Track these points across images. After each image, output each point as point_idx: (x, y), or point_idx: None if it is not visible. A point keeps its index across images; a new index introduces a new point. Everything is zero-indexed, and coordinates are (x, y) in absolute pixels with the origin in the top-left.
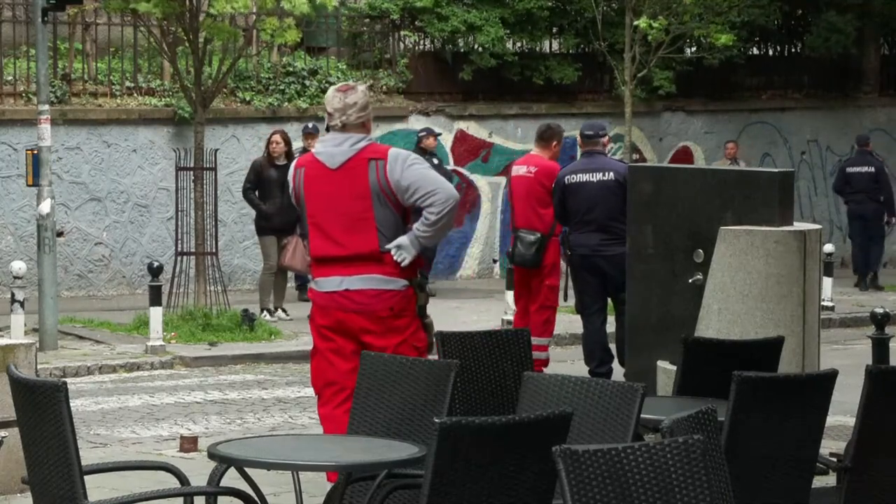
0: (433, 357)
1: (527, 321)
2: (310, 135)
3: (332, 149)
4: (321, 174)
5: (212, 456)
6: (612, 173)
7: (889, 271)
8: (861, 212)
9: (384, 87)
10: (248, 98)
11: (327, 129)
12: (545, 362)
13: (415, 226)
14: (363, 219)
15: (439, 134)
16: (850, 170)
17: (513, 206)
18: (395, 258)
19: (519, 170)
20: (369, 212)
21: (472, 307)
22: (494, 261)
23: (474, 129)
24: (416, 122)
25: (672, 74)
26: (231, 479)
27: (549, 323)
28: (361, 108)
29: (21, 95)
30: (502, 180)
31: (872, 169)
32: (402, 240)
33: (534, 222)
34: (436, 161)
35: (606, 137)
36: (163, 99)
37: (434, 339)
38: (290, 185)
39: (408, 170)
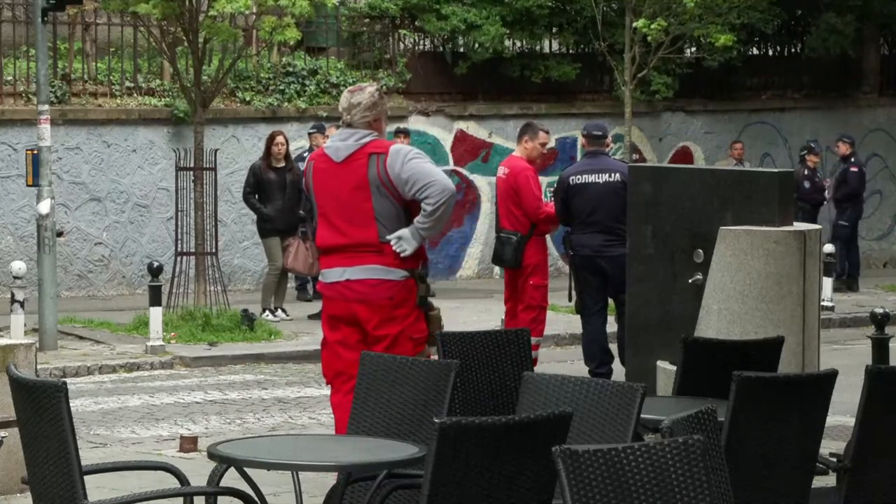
0: (433, 352)
1: (515, 322)
2: (317, 134)
3: (338, 143)
4: (327, 167)
5: (212, 456)
6: (617, 174)
7: (889, 271)
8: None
9: (384, 88)
10: (247, 98)
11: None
12: (534, 362)
13: (416, 218)
14: (363, 210)
15: (404, 130)
16: (860, 170)
17: (498, 207)
18: (394, 249)
19: (499, 171)
20: (368, 202)
21: (472, 307)
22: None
23: (474, 129)
24: (416, 122)
25: (671, 79)
26: (231, 479)
27: (537, 322)
28: (365, 108)
29: (21, 95)
30: None
31: (860, 169)
32: (403, 231)
33: (514, 223)
34: None
35: (609, 138)
36: (163, 99)
37: (438, 333)
38: (304, 178)
39: (407, 163)
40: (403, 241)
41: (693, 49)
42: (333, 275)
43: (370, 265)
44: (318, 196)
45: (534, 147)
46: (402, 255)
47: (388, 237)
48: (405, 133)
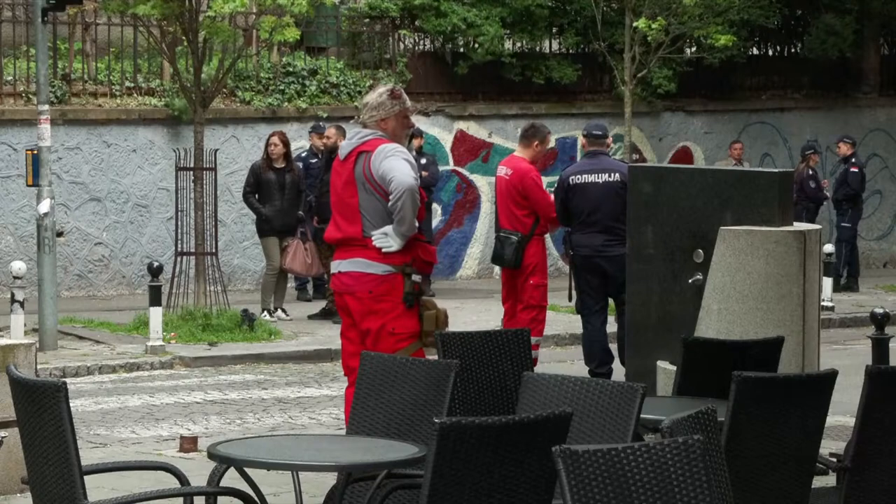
0: (432, 353)
1: (514, 323)
2: (314, 134)
3: (345, 142)
4: (336, 164)
5: (212, 456)
6: (617, 174)
7: (889, 271)
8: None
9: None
10: (247, 98)
11: None
12: (534, 362)
13: None
14: (350, 205)
15: (416, 131)
16: (860, 171)
17: (497, 207)
18: (375, 244)
19: (500, 171)
20: (354, 199)
21: (472, 307)
22: None
23: (474, 129)
24: (416, 123)
25: (672, 74)
26: (231, 479)
27: (537, 322)
28: (371, 108)
29: (21, 95)
30: None
31: (861, 170)
32: (388, 228)
33: (514, 223)
34: (424, 161)
35: (609, 138)
36: (162, 99)
37: (438, 333)
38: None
39: (384, 161)
40: (389, 237)
41: (693, 49)
42: (332, 267)
43: (356, 258)
44: (330, 193)
45: (542, 150)
46: (383, 250)
47: (373, 233)
48: (418, 134)
